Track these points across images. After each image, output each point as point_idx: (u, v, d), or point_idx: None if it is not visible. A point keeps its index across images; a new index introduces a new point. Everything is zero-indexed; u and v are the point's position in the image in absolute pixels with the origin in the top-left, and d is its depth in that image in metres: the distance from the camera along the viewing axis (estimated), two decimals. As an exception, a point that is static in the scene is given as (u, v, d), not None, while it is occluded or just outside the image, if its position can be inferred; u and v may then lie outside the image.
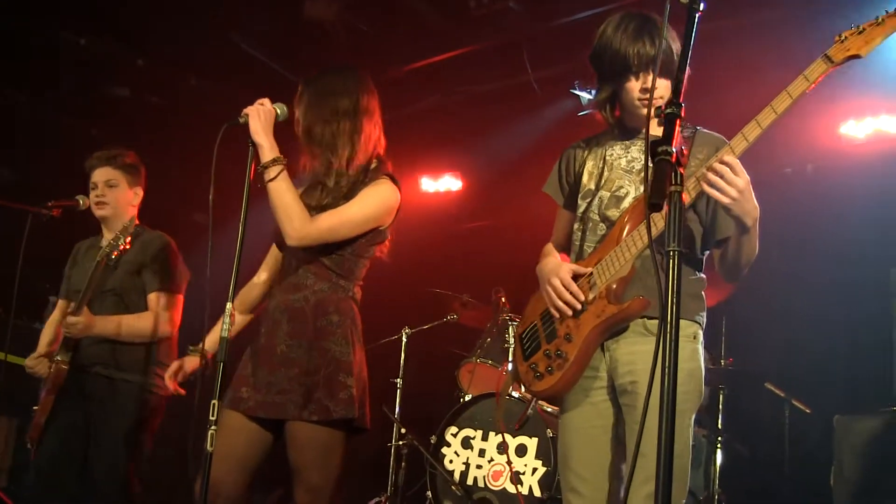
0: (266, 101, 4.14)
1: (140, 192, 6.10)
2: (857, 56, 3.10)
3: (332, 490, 4.14)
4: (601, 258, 3.59)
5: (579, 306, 3.58)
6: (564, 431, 3.75)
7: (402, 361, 7.38)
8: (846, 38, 3.13)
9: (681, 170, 2.49)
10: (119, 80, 9.26)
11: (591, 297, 3.57)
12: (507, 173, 9.33)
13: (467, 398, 6.92)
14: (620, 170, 3.75)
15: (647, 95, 3.53)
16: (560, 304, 3.62)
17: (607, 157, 3.81)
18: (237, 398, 4.17)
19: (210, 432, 3.59)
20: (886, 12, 3.07)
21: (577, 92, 8.50)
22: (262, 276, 4.66)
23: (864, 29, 3.11)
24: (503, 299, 7.28)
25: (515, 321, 6.91)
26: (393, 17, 8.37)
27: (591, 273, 3.59)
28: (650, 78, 3.51)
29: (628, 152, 3.78)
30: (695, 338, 3.59)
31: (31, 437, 5.60)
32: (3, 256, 6.26)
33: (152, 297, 5.78)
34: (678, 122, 2.55)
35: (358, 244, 4.29)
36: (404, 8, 8.17)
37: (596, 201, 3.75)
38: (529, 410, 6.28)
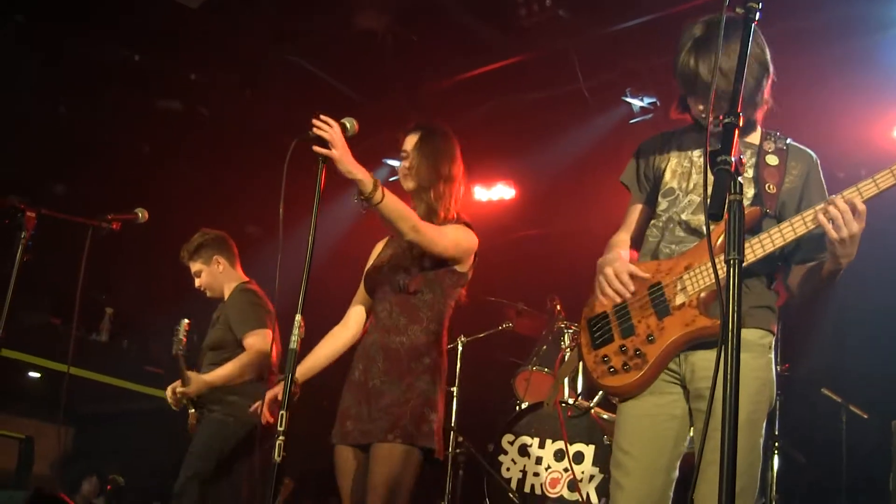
0: (334, 124, 4.08)
1: (221, 258, 6.72)
2: None
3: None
4: (691, 264, 3.54)
5: (628, 295, 3.54)
6: (623, 417, 3.67)
7: (457, 370, 7.39)
8: None
9: (740, 179, 2.50)
10: (171, 94, 9.37)
11: (678, 302, 3.51)
12: (559, 181, 9.35)
13: (523, 406, 6.93)
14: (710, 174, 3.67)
15: (705, 114, 3.53)
16: (609, 290, 3.57)
17: (695, 159, 3.74)
18: (344, 433, 4.48)
19: (278, 442, 3.67)
20: None
21: (628, 99, 8.51)
22: (349, 322, 4.93)
23: None
24: (558, 307, 7.29)
25: (571, 329, 6.94)
26: (442, 28, 8.43)
27: (682, 277, 3.53)
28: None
29: None
30: (770, 348, 3.57)
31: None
32: (63, 270, 6.38)
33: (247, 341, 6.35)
34: (737, 130, 2.56)
35: (446, 286, 4.59)
36: (453, 18, 8.21)
37: (682, 204, 3.68)
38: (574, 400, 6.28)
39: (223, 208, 10.54)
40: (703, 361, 3.50)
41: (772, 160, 3.57)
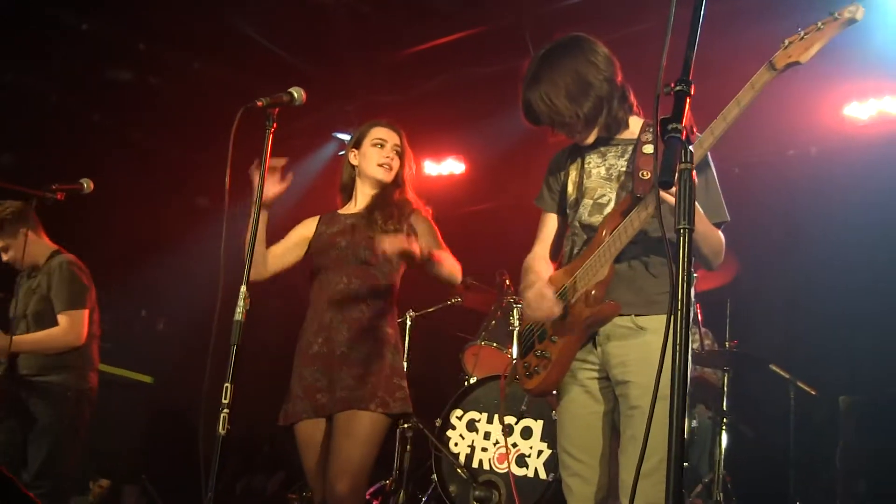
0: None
1: (25, 229, 6.34)
2: (797, 63, 3.10)
3: (369, 470, 4.58)
4: (583, 262, 3.67)
5: (557, 311, 3.68)
6: (562, 418, 3.85)
7: (406, 345, 7.35)
8: (789, 44, 3.12)
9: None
10: (121, 64, 9.24)
11: (574, 300, 3.66)
12: (510, 156, 9.30)
13: (472, 381, 6.92)
14: (600, 178, 3.81)
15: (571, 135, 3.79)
16: (539, 314, 3.73)
17: (585, 166, 3.88)
18: (317, 406, 4.63)
19: (222, 415, 3.63)
20: (830, 15, 3.05)
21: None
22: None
23: (805, 35, 3.09)
24: (507, 281, 7.30)
25: (520, 304, 6.91)
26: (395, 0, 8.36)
27: (576, 276, 3.68)
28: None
29: (605, 159, 3.84)
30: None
31: None
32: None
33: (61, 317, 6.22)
34: (688, 99, 2.54)
35: (395, 260, 4.86)
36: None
37: (580, 210, 3.82)
38: (523, 406, 6.34)
39: (173, 179, 10.46)
40: (617, 348, 3.66)
41: (648, 149, 3.64)
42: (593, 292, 3.57)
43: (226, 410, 3.65)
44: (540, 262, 3.99)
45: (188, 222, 9.82)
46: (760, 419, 7.37)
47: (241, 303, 3.79)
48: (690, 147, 2.50)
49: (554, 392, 3.89)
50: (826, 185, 7.65)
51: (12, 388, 6.01)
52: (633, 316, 3.62)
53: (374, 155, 4.97)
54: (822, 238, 7.47)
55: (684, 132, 2.47)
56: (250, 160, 4.18)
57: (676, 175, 2.47)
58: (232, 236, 3.94)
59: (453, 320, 7.92)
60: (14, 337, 6.00)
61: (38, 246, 6.37)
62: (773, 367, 6.99)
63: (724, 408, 6.80)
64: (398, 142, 5.04)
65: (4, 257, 6.34)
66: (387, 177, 4.98)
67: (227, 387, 3.67)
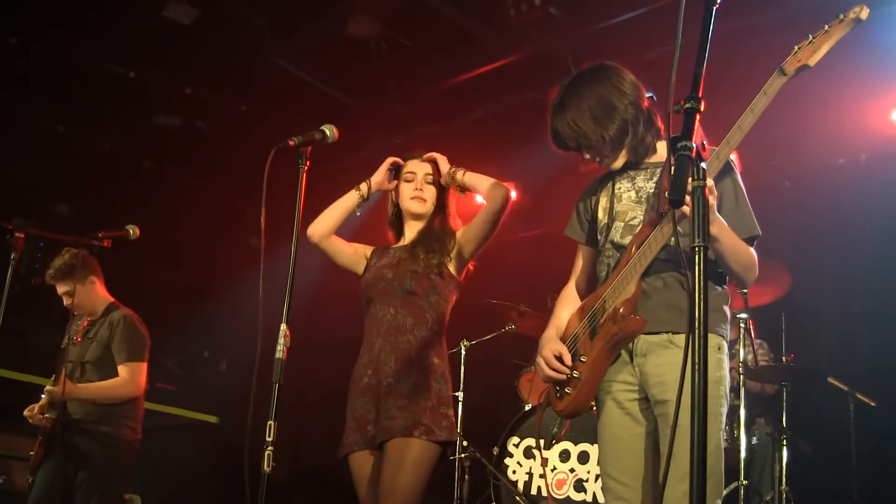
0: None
1: (95, 278, 6.57)
2: (805, 66, 3.13)
3: (418, 499, 4.52)
4: (611, 282, 3.69)
5: (565, 374, 3.72)
6: (603, 442, 3.81)
7: (462, 374, 7.35)
8: (798, 49, 3.16)
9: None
10: (169, 109, 9.37)
11: (603, 320, 3.66)
12: (559, 181, 9.25)
13: (528, 408, 6.90)
14: (630, 201, 3.82)
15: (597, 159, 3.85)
16: (551, 374, 3.77)
17: (616, 191, 3.89)
18: (367, 438, 4.65)
19: (267, 453, 3.65)
20: (836, 18, 3.10)
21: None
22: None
23: (813, 39, 3.14)
24: (559, 307, 7.26)
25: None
26: (434, 32, 8.39)
27: (603, 299, 3.69)
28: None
29: (634, 182, 3.86)
30: (719, 349, 3.65)
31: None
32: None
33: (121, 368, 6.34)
34: (698, 115, 2.54)
35: (445, 291, 4.88)
36: (444, 21, 8.17)
37: (612, 233, 3.83)
38: (555, 428, 6.30)
39: (225, 219, 10.57)
40: (654, 368, 3.63)
41: None
42: (620, 310, 3.57)
43: (270, 448, 3.66)
44: (566, 303, 4.07)
45: (243, 262, 9.90)
46: (821, 433, 7.26)
47: (281, 340, 3.81)
48: (703, 164, 2.50)
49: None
50: (878, 192, 7.54)
51: (66, 432, 6.08)
52: (669, 334, 3.60)
53: (407, 189, 5.03)
54: (875, 246, 7.37)
55: (695, 149, 2.47)
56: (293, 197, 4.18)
57: (687, 192, 2.46)
58: (271, 276, 3.97)
59: (508, 347, 7.92)
60: (76, 384, 6.11)
61: (99, 295, 6.52)
62: (831, 380, 6.91)
63: (784, 423, 6.72)
64: (429, 170, 5.08)
65: (66, 301, 6.39)
66: (420, 208, 5.02)
67: (270, 424, 3.68)
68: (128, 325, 6.33)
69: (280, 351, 3.81)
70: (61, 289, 6.40)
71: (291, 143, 4.11)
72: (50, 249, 6.27)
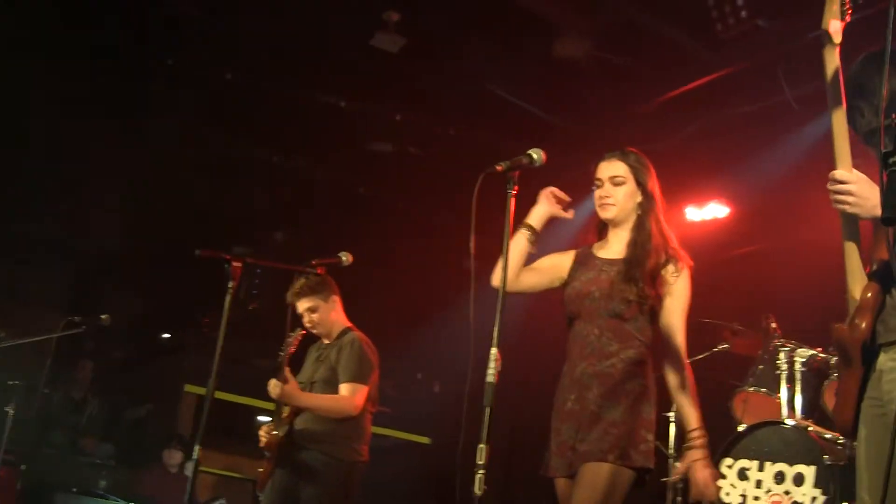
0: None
1: (336, 297, 6.66)
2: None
3: None
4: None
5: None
6: (859, 464, 3.51)
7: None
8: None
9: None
10: (380, 136, 9.58)
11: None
12: (773, 196, 9.08)
13: (741, 428, 6.76)
14: None
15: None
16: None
17: None
18: (568, 464, 4.48)
19: (478, 476, 3.66)
20: None
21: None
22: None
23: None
24: (773, 325, 7.10)
25: (787, 347, 6.74)
26: (642, 48, 8.35)
27: None
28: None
29: None
30: None
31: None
32: (279, 314, 6.61)
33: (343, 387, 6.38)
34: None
35: (653, 313, 4.62)
36: (652, 37, 8.13)
37: None
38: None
39: (439, 243, 10.73)
40: (888, 384, 3.31)
41: None
42: (856, 319, 3.31)
43: (481, 471, 3.66)
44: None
45: (455, 285, 10.03)
46: None
47: (492, 364, 3.82)
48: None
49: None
50: None
51: (292, 450, 6.25)
52: None
53: (595, 197, 4.76)
54: None
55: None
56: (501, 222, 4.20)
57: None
58: (482, 298, 4.02)
59: (721, 367, 7.77)
60: (297, 389, 6.25)
61: (338, 316, 6.64)
62: None
63: None
64: (616, 172, 4.71)
65: (307, 318, 6.50)
66: (609, 213, 4.71)
67: (481, 448, 3.69)
68: (356, 348, 6.40)
69: (491, 374, 3.82)
70: (304, 304, 6.48)
71: (499, 168, 4.10)
72: (266, 277, 6.46)
